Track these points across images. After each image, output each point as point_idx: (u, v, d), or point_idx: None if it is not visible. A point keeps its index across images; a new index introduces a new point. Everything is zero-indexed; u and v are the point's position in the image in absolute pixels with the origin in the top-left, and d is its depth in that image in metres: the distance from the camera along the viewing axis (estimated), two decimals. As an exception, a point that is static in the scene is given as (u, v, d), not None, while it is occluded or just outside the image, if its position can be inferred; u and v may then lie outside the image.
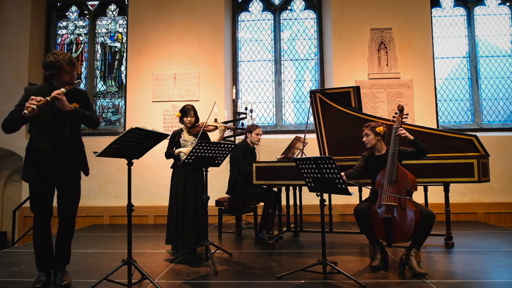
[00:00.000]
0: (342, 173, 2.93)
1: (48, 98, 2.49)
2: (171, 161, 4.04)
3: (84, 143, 2.92)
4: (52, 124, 2.69)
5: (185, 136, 3.99)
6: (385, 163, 3.20)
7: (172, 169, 4.01)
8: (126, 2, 7.06)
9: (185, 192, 3.86)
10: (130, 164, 2.69)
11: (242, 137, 6.20)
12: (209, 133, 4.11)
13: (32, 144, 2.72)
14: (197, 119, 4.02)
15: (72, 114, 2.65)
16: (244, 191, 4.51)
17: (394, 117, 3.33)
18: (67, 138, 2.73)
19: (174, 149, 3.96)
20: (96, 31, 7.25)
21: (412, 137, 3.18)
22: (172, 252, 3.92)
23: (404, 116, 3.31)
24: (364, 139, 3.38)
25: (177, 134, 4.02)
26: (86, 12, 7.28)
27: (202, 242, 3.49)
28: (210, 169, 3.52)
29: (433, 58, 6.47)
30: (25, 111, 2.37)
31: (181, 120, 4.00)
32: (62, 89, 2.59)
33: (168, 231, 3.93)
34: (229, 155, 4.68)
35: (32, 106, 2.39)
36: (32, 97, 2.45)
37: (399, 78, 6.35)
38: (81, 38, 7.28)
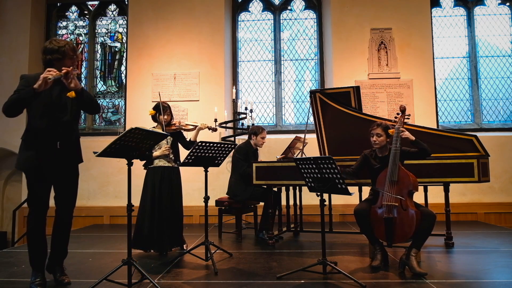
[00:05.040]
0: None
1: (61, 73, 2.47)
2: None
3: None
4: (51, 109, 2.65)
5: None
6: (387, 163, 3.19)
7: (145, 169, 3.93)
8: (126, 2, 7.06)
9: (161, 193, 3.77)
10: (130, 164, 2.68)
11: (242, 137, 6.21)
12: (184, 132, 4.00)
13: (31, 129, 2.66)
14: (172, 117, 3.93)
15: (81, 94, 2.62)
16: (244, 193, 4.50)
17: (395, 117, 3.32)
18: (67, 123, 2.70)
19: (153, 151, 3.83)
20: (96, 31, 7.25)
21: (414, 138, 3.17)
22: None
23: (406, 116, 3.31)
24: (374, 138, 3.28)
25: None
26: (86, 12, 7.28)
27: (181, 244, 3.54)
28: (210, 169, 3.51)
29: (433, 58, 6.47)
30: (39, 83, 2.39)
31: (155, 118, 3.89)
32: (73, 68, 2.57)
33: (137, 233, 3.72)
34: (231, 156, 4.67)
35: (51, 74, 2.41)
36: (49, 69, 2.46)
37: (399, 78, 6.35)
38: (81, 38, 7.28)
